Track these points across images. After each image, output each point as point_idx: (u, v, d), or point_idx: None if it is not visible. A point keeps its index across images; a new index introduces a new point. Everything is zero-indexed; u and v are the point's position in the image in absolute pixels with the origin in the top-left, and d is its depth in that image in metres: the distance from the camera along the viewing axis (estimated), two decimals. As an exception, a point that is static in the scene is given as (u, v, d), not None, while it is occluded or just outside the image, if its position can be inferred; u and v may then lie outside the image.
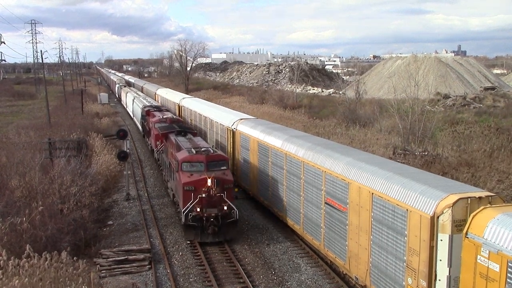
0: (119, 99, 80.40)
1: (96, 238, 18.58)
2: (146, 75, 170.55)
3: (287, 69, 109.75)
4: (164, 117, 31.00)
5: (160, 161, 28.05)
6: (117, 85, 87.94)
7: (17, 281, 11.72)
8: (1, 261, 12.32)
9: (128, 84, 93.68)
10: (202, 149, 19.57)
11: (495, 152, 28.76)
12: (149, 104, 43.94)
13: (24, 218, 14.89)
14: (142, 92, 71.44)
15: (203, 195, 17.30)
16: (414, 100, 34.04)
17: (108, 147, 32.29)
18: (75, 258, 13.80)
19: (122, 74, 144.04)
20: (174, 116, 32.75)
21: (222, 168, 18.49)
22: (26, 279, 11.93)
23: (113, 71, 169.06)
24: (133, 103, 52.99)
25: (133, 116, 53.64)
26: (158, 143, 27.67)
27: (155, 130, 28.80)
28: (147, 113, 36.53)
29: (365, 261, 13.31)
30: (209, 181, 17.23)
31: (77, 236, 17.08)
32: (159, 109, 38.02)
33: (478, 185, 21.63)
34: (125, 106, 67.99)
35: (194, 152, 18.91)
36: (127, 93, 64.83)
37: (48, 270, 12.49)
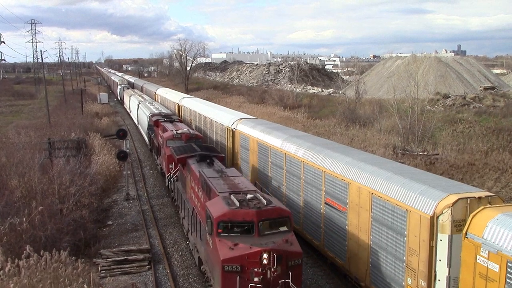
0: (121, 102, 74.52)
1: (96, 238, 18.58)
2: (146, 74, 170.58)
3: (287, 69, 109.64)
4: (179, 132, 24.84)
5: (174, 192, 21.84)
6: (119, 87, 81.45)
7: (17, 281, 11.72)
8: (1, 261, 12.33)
9: (132, 85, 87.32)
10: (247, 195, 12.72)
11: (494, 152, 28.77)
12: (158, 111, 36.67)
13: (24, 218, 14.90)
14: (142, 91, 71.12)
15: (256, 279, 11.02)
16: (413, 100, 34.04)
17: (107, 147, 32.28)
18: (74, 258, 13.81)
19: (122, 74, 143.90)
20: (191, 131, 25.89)
21: (283, 230, 11.89)
22: (26, 279, 11.93)
23: (113, 71, 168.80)
24: (138, 108, 45.30)
25: (138, 123, 46.32)
26: (171, 166, 22.06)
27: (167, 149, 23.18)
28: (155, 124, 30.34)
29: (365, 261, 13.30)
30: (264, 256, 10.98)
31: (77, 236, 17.07)
32: (170, 119, 30.85)
33: (478, 185, 21.63)
34: (128, 111, 60.66)
35: (237, 204, 12.00)
36: (131, 96, 57.28)
37: (48, 270, 12.49)
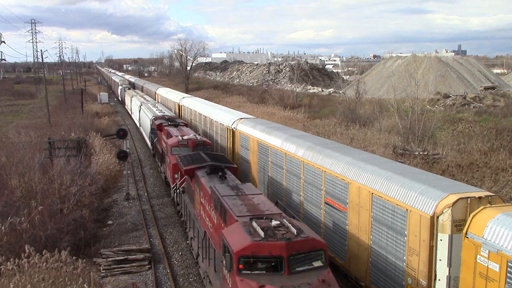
0: (122, 103, 72.13)
1: (96, 238, 18.58)
2: (146, 74, 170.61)
3: (287, 69, 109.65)
4: (185, 138, 22.80)
5: (180, 206, 19.75)
6: (119, 87, 78.85)
7: (17, 281, 11.73)
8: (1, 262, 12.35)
9: (133, 86, 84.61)
10: (272, 221, 10.67)
11: (494, 152, 28.76)
12: (161, 114, 34.59)
13: (24, 218, 14.91)
14: (142, 91, 70.96)
15: None
16: (414, 100, 34.02)
17: (107, 147, 32.29)
18: (75, 258, 13.82)
19: (123, 73, 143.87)
20: (198, 137, 23.73)
21: (317, 266, 9.96)
22: (26, 279, 11.94)
23: (113, 71, 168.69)
24: (140, 110, 42.82)
25: (140, 126, 44.03)
26: (176, 176, 20.45)
27: (172, 157, 21.37)
28: (158, 128, 28.19)
29: (365, 261, 13.30)
30: None
31: (77, 236, 17.08)
32: (174, 122, 28.33)
33: (478, 184, 21.63)
34: (129, 112, 58.05)
35: (262, 233, 9.98)
36: (132, 97, 54.27)
37: (48, 270, 12.50)
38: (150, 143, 33.72)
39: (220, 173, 15.75)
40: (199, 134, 25.82)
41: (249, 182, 17.23)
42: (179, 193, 19.69)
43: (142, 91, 69.98)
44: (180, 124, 28.12)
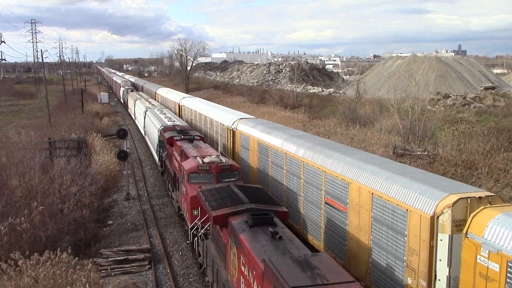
0: (125, 105, 67.02)
1: (96, 238, 18.59)
2: (146, 74, 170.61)
3: (287, 69, 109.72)
4: (205, 161, 17.34)
5: (204, 262, 14.53)
6: (122, 89, 73.55)
7: (17, 281, 11.73)
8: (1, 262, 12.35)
9: (136, 87, 78.12)
10: None
11: (495, 152, 28.76)
12: (171, 122, 29.02)
13: (24, 218, 14.91)
14: (142, 91, 70.70)
15: None
16: (414, 100, 34.05)
17: (108, 147, 32.30)
18: (77, 258, 13.82)
19: (123, 73, 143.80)
20: (223, 159, 18.06)
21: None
22: (26, 279, 11.94)
23: (113, 71, 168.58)
24: (145, 116, 37.04)
25: (145, 134, 38.10)
26: (196, 213, 15.96)
27: (189, 188, 16.56)
28: (169, 142, 22.89)
29: (365, 261, 13.30)
30: None
31: (77, 236, 17.09)
32: (188, 136, 22.76)
33: (478, 184, 21.62)
34: (133, 117, 52.52)
35: None
36: (136, 100, 47.99)
37: (48, 270, 12.50)
38: (158, 158, 28.15)
39: (272, 230, 10.55)
40: (222, 153, 20.51)
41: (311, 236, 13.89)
42: (201, 238, 14.98)
43: (142, 91, 69.65)
44: (195, 137, 22.63)
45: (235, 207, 12.05)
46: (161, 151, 26.55)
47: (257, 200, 12.60)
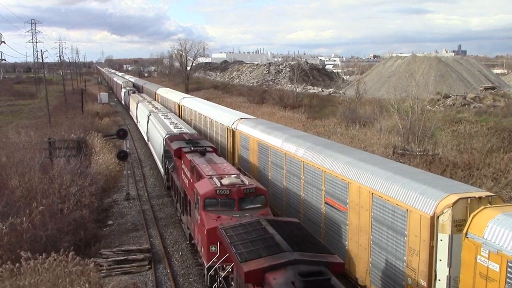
0: (126, 107, 64.23)
1: (96, 238, 18.59)
2: (146, 74, 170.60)
3: (287, 69, 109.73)
4: (225, 184, 13.86)
5: None
6: (123, 90, 70.07)
7: (17, 281, 11.73)
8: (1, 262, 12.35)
9: (137, 88, 74.47)
10: None
11: (494, 152, 28.77)
12: (178, 129, 26.02)
13: (24, 218, 14.92)
14: (142, 91, 70.64)
15: None
16: (414, 100, 34.03)
17: (108, 147, 32.29)
18: (78, 258, 13.81)
19: (123, 73, 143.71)
20: (246, 180, 14.38)
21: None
22: (27, 279, 11.94)
23: (113, 71, 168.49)
24: (148, 121, 34.10)
25: (148, 140, 34.81)
26: (214, 249, 12.84)
27: (205, 217, 13.48)
28: (176, 153, 19.67)
29: (365, 261, 13.30)
30: None
31: (77, 236, 17.08)
32: (199, 147, 19.37)
33: (478, 184, 21.62)
34: (135, 121, 48.89)
35: None
36: (139, 103, 44.64)
37: (48, 270, 12.50)
38: (164, 170, 24.95)
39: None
40: (241, 170, 17.06)
41: None
42: (221, 283, 12.43)
43: (142, 92, 69.54)
44: (207, 149, 19.17)
45: (273, 258, 8.74)
46: (166, 163, 23.17)
47: (299, 245, 9.34)
